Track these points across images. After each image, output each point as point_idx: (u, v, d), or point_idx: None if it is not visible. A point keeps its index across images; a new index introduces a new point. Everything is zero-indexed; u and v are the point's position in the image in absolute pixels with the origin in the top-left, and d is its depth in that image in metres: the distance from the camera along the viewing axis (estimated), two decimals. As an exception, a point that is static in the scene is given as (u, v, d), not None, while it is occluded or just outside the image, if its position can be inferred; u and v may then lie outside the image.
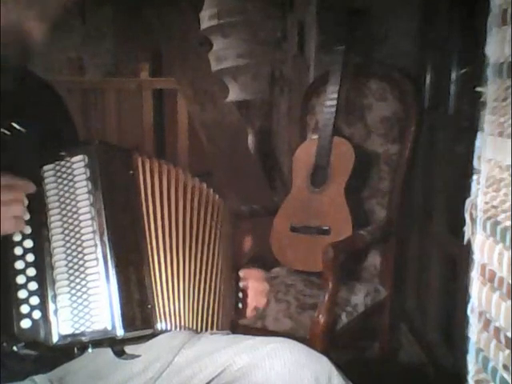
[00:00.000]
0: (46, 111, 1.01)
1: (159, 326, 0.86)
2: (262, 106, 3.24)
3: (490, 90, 0.51)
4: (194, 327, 0.93)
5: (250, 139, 3.16)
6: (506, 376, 0.46)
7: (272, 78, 3.00)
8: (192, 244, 0.94)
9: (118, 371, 0.89)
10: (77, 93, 3.83)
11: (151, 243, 0.88)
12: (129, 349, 0.86)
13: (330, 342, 1.58)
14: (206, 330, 0.96)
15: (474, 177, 0.53)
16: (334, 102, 1.86)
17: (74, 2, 0.95)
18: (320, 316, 1.56)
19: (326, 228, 1.83)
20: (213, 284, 0.98)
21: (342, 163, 1.84)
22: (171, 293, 0.89)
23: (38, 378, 0.88)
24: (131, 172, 0.89)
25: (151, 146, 3.82)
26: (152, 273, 0.87)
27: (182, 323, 0.90)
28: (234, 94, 3.06)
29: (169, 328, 0.87)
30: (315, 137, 1.93)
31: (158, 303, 0.86)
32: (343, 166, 1.84)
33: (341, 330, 1.65)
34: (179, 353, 0.91)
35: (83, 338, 0.81)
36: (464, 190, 0.57)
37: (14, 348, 0.79)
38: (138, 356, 0.87)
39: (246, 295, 1.06)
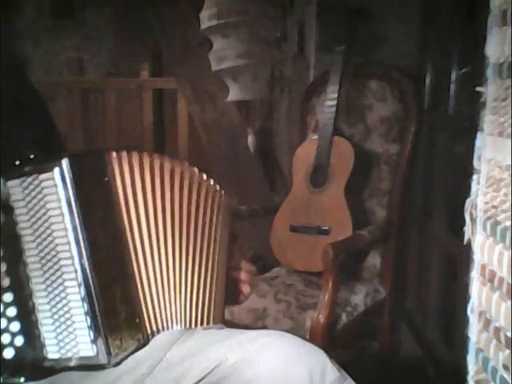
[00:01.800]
0: (28, 114, 0.98)
1: (149, 333, 0.85)
2: (261, 106, 3.24)
3: (490, 90, 0.51)
4: (187, 324, 0.92)
5: (250, 139, 3.16)
6: (506, 376, 0.46)
7: (272, 78, 3.00)
8: (182, 236, 0.91)
9: (108, 369, 0.88)
10: (77, 93, 3.83)
11: (135, 248, 0.85)
12: None
13: (329, 342, 1.58)
14: (201, 324, 0.95)
15: (474, 177, 0.53)
16: (334, 102, 1.86)
17: None
18: (320, 316, 1.56)
19: (326, 228, 1.83)
20: (207, 277, 0.96)
21: (342, 163, 1.84)
22: (161, 294, 0.88)
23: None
24: (106, 179, 0.82)
25: (151, 146, 3.82)
26: (139, 281, 0.85)
27: (174, 323, 0.90)
28: (234, 94, 3.06)
29: (160, 330, 0.87)
30: (315, 137, 1.93)
31: (148, 311, 0.86)
32: (343, 165, 1.84)
33: (341, 330, 1.65)
34: (172, 349, 0.90)
35: (71, 363, 0.79)
36: (464, 190, 0.57)
37: (0, 379, 0.77)
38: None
39: (235, 283, 1.05)
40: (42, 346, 0.79)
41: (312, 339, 1.56)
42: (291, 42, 2.60)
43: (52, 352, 0.79)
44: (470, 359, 0.52)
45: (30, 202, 0.78)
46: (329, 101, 1.88)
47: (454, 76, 1.88)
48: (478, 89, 0.52)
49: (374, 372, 1.98)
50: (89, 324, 0.78)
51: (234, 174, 3.01)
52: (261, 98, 3.12)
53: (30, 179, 0.78)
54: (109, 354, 0.78)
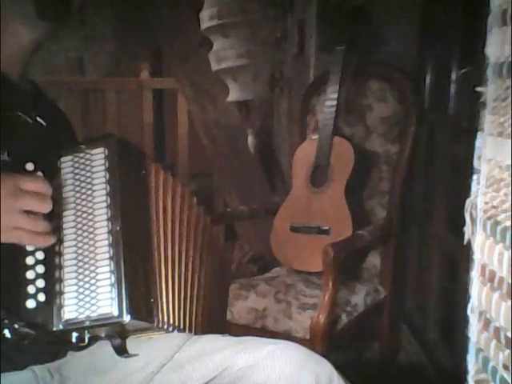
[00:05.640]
0: (55, 121, 1.03)
1: (160, 322, 0.87)
2: (261, 106, 3.24)
3: (490, 90, 0.50)
4: (191, 330, 0.95)
5: (250, 139, 3.16)
6: (506, 376, 0.46)
7: (272, 78, 3.00)
8: (189, 252, 0.99)
9: (117, 367, 0.90)
10: (77, 93, 3.82)
11: (158, 242, 0.91)
12: (129, 347, 0.86)
13: (330, 342, 1.58)
14: (198, 332, 0.98)
15: (474, 177, 0.53)
16: (334, 102, 1.86)
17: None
18: (320, 316, 1.56)
19: (326, 228, 1.83)
20: (206, 290, 1.02)
21: (342, 163, 1.84)
22: (170, 293, 0.91)
23: (36, 367, 0.89)
24: (144, 172, 0.92)
25: (151, 146, 3.82)
26: (156, 270, 0.89)
27: (179, 324, 0.92)
28: (234, 94, 3.06)
29: (165, 327, 0.88)
30: (315, 137, 1.93)
31: (162, 300, 0.88)
32: (343, 165, 1.84)
33: (341, 330, 1.66)
34: (181, 350, 0.92)
35: (86, 323, 0.81)
36: (464, 190, 0.57)
37: (15, 325, 0.80)
38: (137, 355, 0.87)
39: None
40: (61, 307, 0.81)
41: (312, 339, 1.56)
42: (291, 42, 2.60)
43: (69, 312, 0.81)
44: (470, 359, 0.52)
45: (77, 173, 0.87)
46: (329, 101, 1.88)
47: (454, 76, 1.88)
48: (478, 89, 0.52)
49: (374, 372, 1.98)
50: (112, 282, 0.81)
51: (234, 174, 3.01)
52: (261, 98, 3.12)
53: (82, 154, 0.87)
54: (126, 313, 0.80)
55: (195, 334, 0.97)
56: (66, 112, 1.15)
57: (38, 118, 0.94)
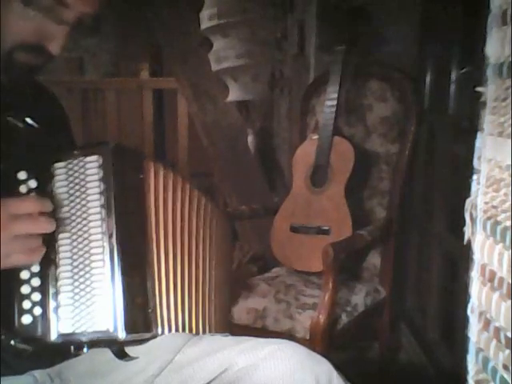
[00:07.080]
0: (49, 118, 1.01)
1: (159, 330, 0.86)
2: (261, 106, 3.24)
3: (490, 90, 0.50)
4: (192, 331, 0.94)
5: (250, 139, 3.16)
6: (506, 376, 0.46)
7: (272, 78, 3.00)
8: (192, 252, 0.97)
9: (118, 370, 0.89)
10: (77, 93, 3.83)
11: (158, 248, 0.89)
12: (129, 349, 0.86)
13: (330, 342, 1.58)
14: (203, 333, 0.97)
15: (474, 177, 0.53)
16: (334, 102, 1.86)
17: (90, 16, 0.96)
18: (320, 316, 1.56)
19: (326, 228, 1.83)
20: (209, 290, 1.01)
21: (342, 163, 1.84)
22: (171, 298, 0.90)
23: (37, 372, 0.88)
24: (141, 176, 0.89)
25: (151, 146, 3.82)
26: (155, 277, 0.88)
27: (179, 329, 0.91)
28: (234, 94, 3.06)
29: (166, 333, 0.88)
30: (315, 137, 1.93)
31: (161, 308, 0.87)
32: (343, 165, 1.84)
33: (341, 329, 1.65)
34: (181, 352, 0.92)
35: (83, 338, 0.80)
36: (464, 190, 0.57)
37: (12, 342, 0.79)
38: (137, 358, 0.87)
39: None
40: (57, 321, 0.80)
41: (312, 339, 1.56)
42: (291, 42, 2.60)
43: (66, 326, 0.80)
44: (470, 359, 0.52)
45: (71, 181, 0.84)
46: (329, 101, 1.88)
47: (454, 76, 1.88)
48: (478, 89, 0.52)
49: (374, 372, 1.98)
50: (108, 298, 0.80)
51: (234, 174, 3.01)
52: (261, 98, 3.12)
53: (76, 161, 0.84)
54: (122, 330, 0.80)
55: (203, 334, 0.97)
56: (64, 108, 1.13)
57: (29, 121, 0.90)
